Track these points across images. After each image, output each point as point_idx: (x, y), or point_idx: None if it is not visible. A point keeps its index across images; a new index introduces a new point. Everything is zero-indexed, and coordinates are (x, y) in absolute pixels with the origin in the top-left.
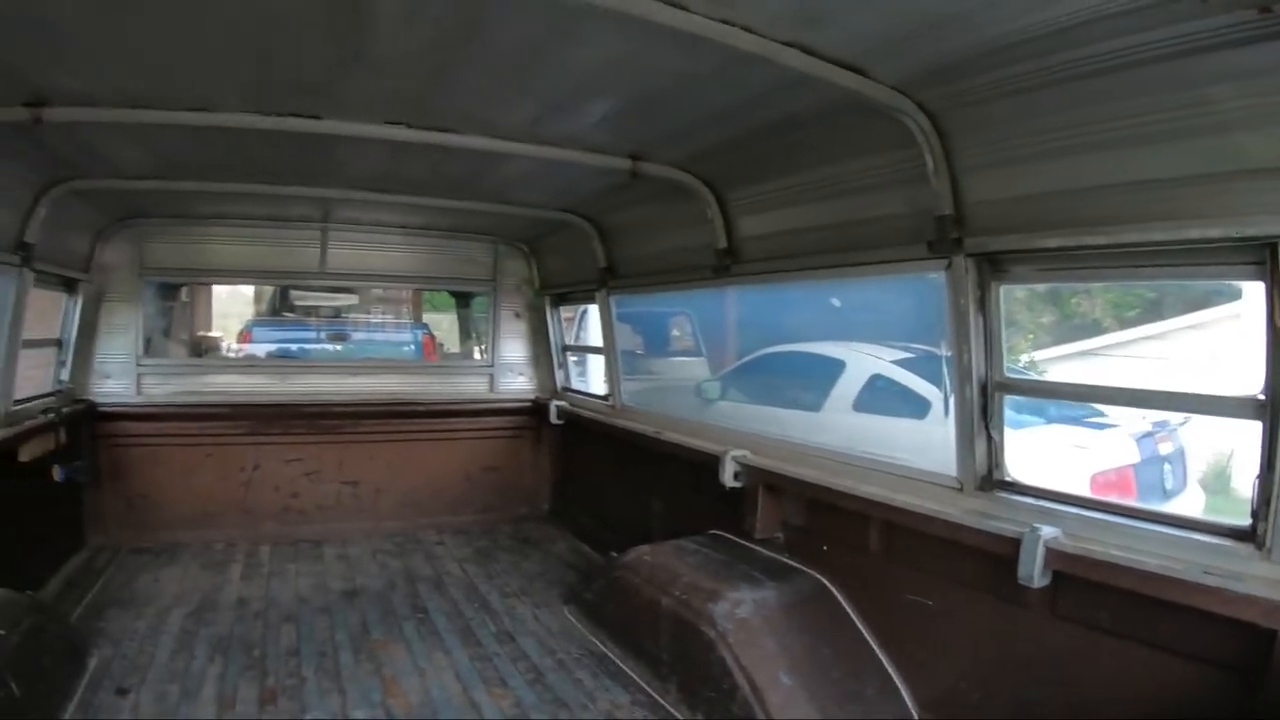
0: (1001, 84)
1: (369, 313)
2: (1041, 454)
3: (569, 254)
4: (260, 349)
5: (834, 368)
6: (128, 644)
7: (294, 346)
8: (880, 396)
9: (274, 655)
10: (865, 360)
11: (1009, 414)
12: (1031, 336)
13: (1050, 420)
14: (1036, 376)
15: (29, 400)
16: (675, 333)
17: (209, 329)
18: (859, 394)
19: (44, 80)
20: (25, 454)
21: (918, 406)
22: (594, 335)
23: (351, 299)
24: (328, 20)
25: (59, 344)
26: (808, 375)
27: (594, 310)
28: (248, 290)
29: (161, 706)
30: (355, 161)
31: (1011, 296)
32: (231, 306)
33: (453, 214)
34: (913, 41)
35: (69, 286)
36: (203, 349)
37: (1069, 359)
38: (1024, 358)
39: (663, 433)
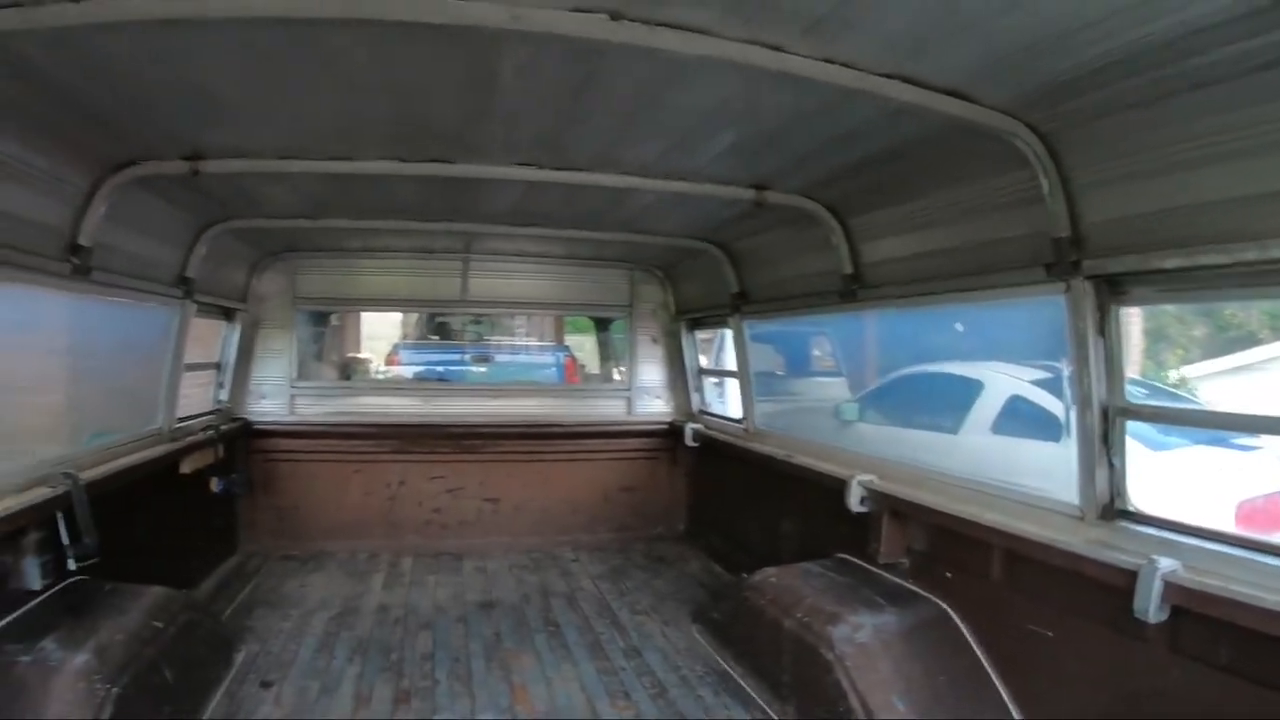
0: (1111, 101)
1: (513, 336)
2: (1184, 478)
3: (703, 279)
4: (407, 370)
5: (972, 389)
6: (273, 642)
7: (439, 368)
8: (1019, 419)
9: (410, 659)
10: (1004, 381)
11: (1152, 435)
12: (1181, 351)
13: (1196, 441)
14: (1169, 399)
15: (191, 418)
16: (816, 352)
17: (358, 351)
18: (997, 416)
19: (200, 138)
20: (186, 466)
21: (1056, 429)
22: (732, 358)
23: (494, 323)
24: (458, 80)
25: (218, 367)
26: (946, 397)
27: (730, 333)
28: (394, 315)
29: (301, 700)
30: (492, 199)
31: (1161, 309)
32: (379, 329)
33: (588, 243)
34: (1014, 65)
35: (228, 315)
36: (352, 371)
37: (1222, 375)
38: (1174, 374)
39: (794, 456)
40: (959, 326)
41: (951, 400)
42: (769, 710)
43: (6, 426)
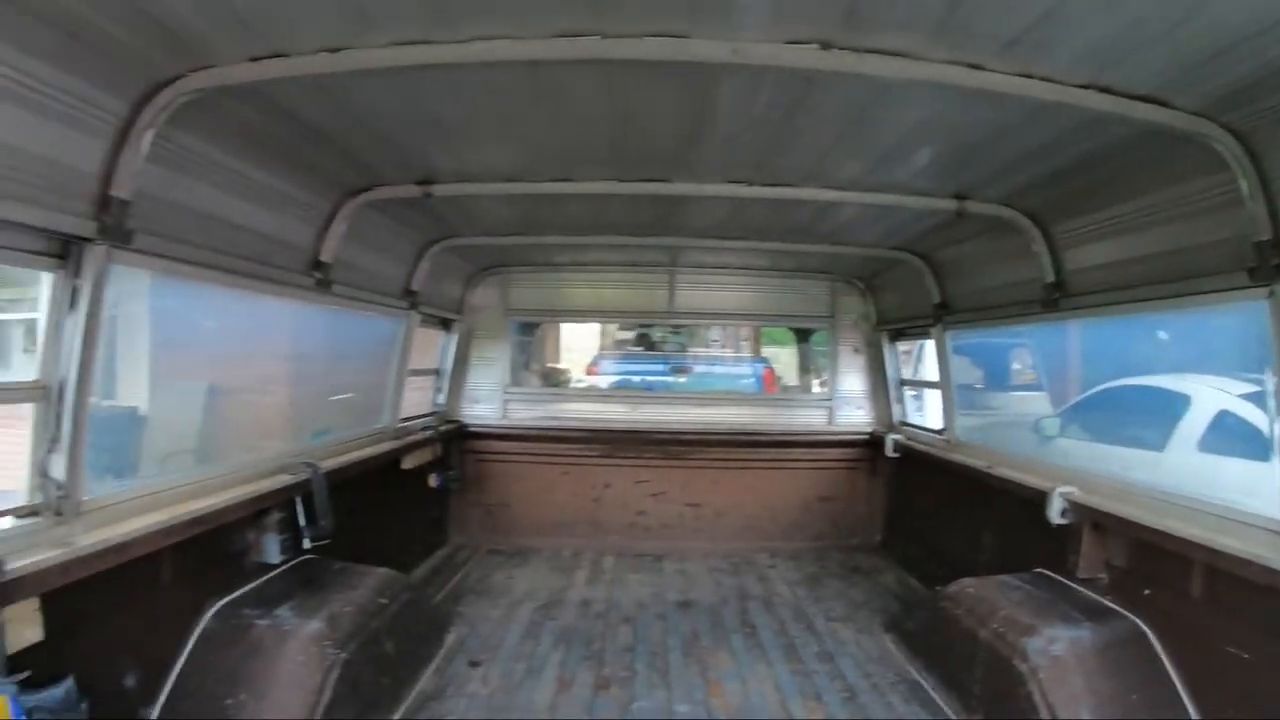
0: None
1: (709, 347)
2: None
3: (904, 290)
4: (608, 380)
5: (1178, 404)
6: (481, 626)
7: (636, 379)
8: (1228, 435)
9: (611, 650)
10: (1212, 395)
11: None
12: None
13: None
14: None
15: (412, 419)
16: (1016, 366)
17: (557, 362)
18: (1205, 432)
19: (432, 164)
20: (407, 463)
21: (1266, 446)
22: (931, 369)
23: (693, 334)
24: (677, 109)
25: (437, 373)
26: (1151, 412)
27: (930, 344)
28: (593, 326)
29: (507, 680)
30: (700, 214)
31: None
32: (576, 341)
33: (791, 255)
34: (1206, 69)
35: (445, 325)
36: (552, 380)
37: None
38: None
39: (994, 467)
40: (1162, 335)
41: (1156, 416)
42: None
43: (248, 422)
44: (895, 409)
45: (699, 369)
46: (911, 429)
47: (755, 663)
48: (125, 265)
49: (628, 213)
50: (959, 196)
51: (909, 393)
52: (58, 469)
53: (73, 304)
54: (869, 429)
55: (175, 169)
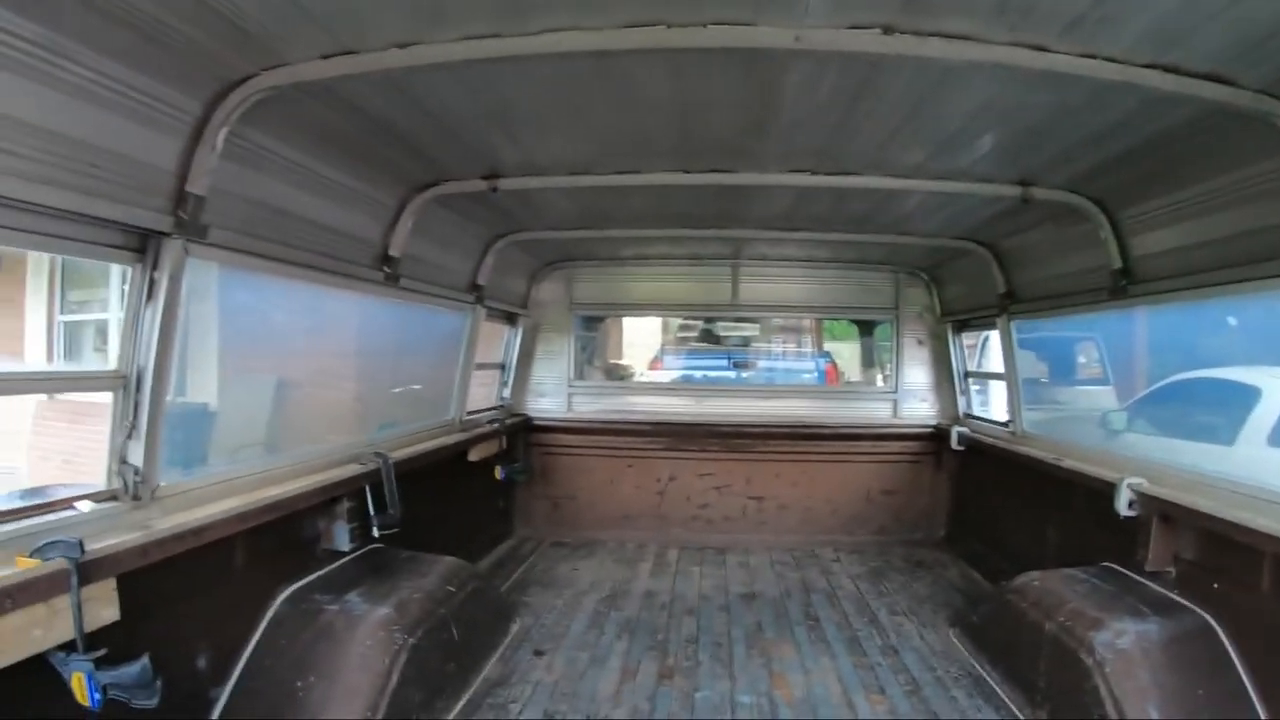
0: None
1: (770, 341)
2: None
3: (969, 280)
4: (671, 374)
5: (1248, 396)
6: (546, 616)
7: (698, 374)
8: None
9: (674, 640)
10: None
11: None
12: None
13: None
14: None
15: (478, 412)
16: (1081, 359)
17: (619, 357)
18: (1277, 425)
19: (498, 158)
20: (474, 455)
21: None
22: (995, 361)
23: (755, 328)
24: (742, 95)
25: (502, 367)
26: (1219, 405)
27: (994, 336)
28: (653, 321)
29: (571, 669)
30: (764, 205)
31: None
32: (637, 336)
33: (854, 246)
34: (1269, 45)
35: (510, 319)
36: (614, 375)
37: None
38: None
39: (1062, 460)
40: (1232, 320)
41: (1226, 409)
42: (1021, 714)
43: (315, 415)
44: (960, 401)
45: (761, 364)
46: (977, 421)
47: (819, 655)
48: (201, 259)
49: (691, 204)
50: (1023, 183)
51: (972, 386)
52: (135, 455)
53: (150, 296)
54: (934, 422)
55: (247, 165)
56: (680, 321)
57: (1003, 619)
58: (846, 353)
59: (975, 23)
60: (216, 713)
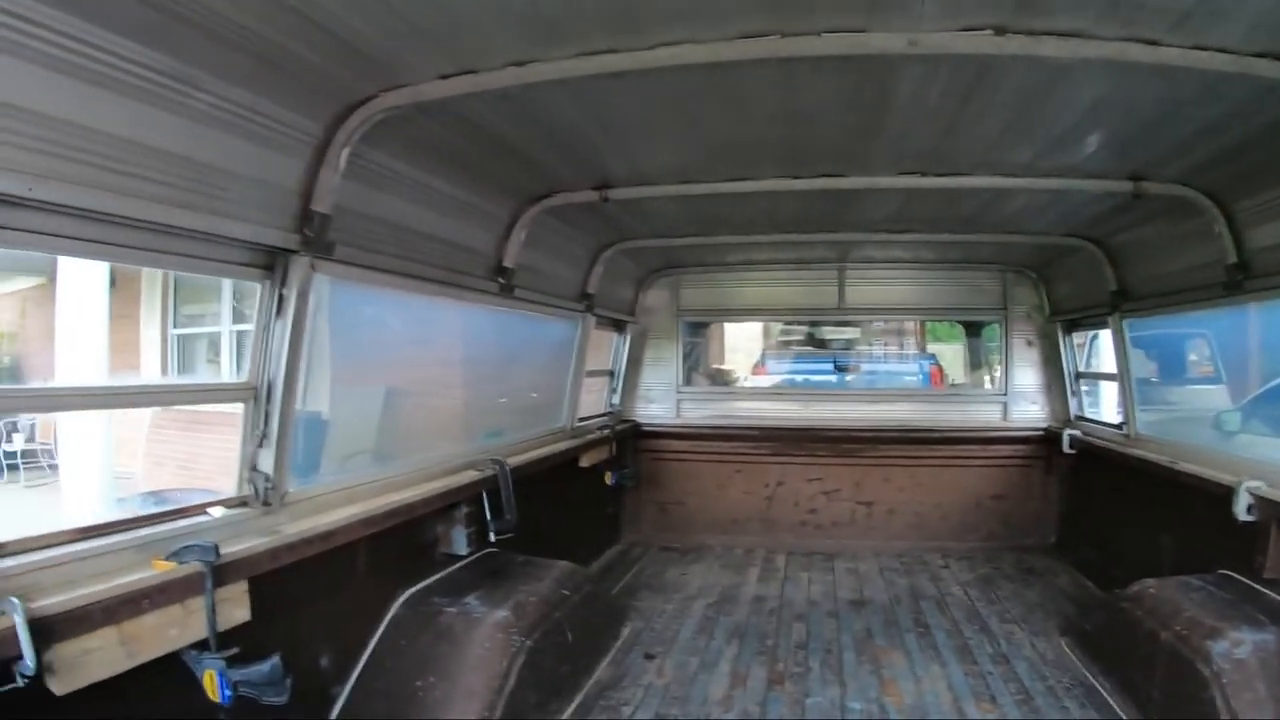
0: None
1: (871, 345)
2: None
3: (1078, 279)
4: (774, 379)
5: None
6: (656, 620)
7: (799, 378)
8: None
9: (784, 646)
10: None
11: None
12: None
13: None
14: None
15: (588, 419)
16: (1192, 357)
17: (721, 363)
18: None
19: (609, 168)
20: (585, 461)
21: None
22: (1104, 362)
23: (856, 331)
24: (853, 100)
25: (611, 374)
26: None
27: (1104, 335)
28: (753, 327)
29: (681, 673)
30: (871, 208)
31: None
32: (737, 342)
33: (961, 246)
34: None
35: (618, 327)
36: (718, 381)
37: None
38: None
39: (1177, 462)
40: None
41: None
42: None
43: (422, 424)
44: (1071, 403)
45: (865, 367)
46: (1088, 424)
47: (929, 663)
48: (327, 275)
49: (799, 209)
50: (1134, 178)
51: (1082, 387)
52: (265, 463)
53: (279, 311)
54: (1044, 424)
55: (367, 182)
56: (782, 326)
57: (1116, 628)
58: (950, 355)
59: (1087, 20)
60: (336, 710)
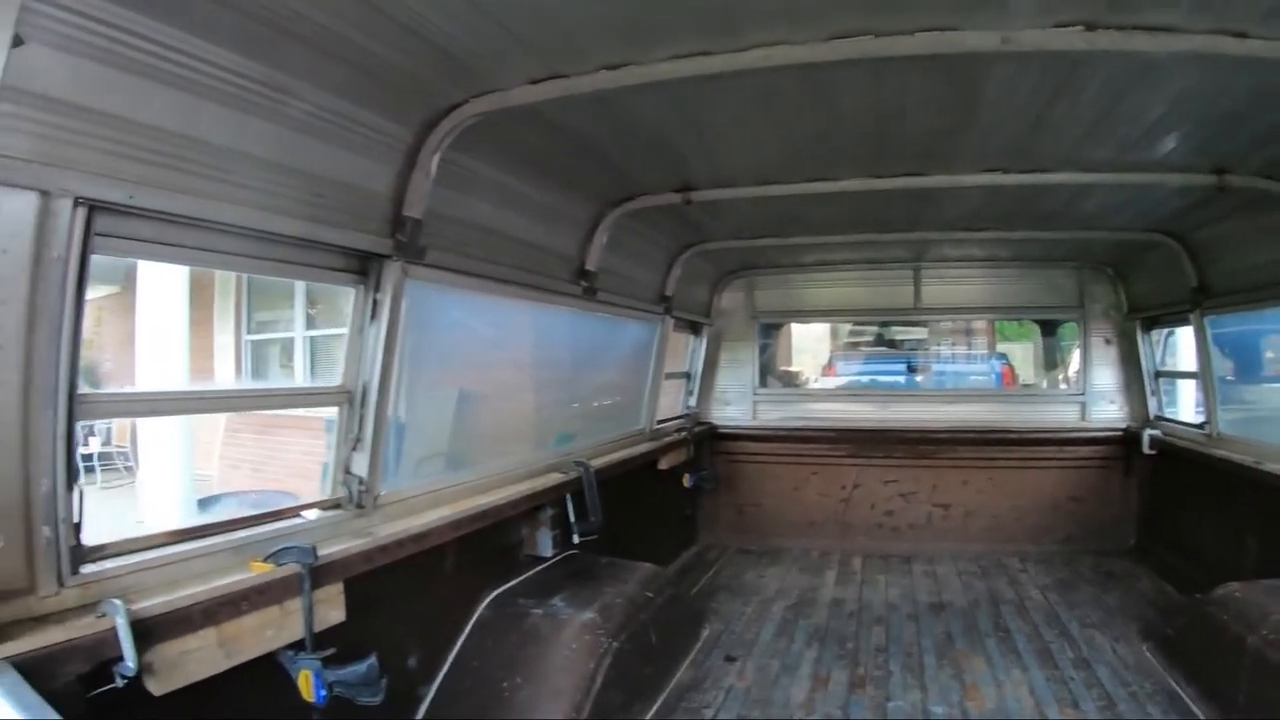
0: None
1: (940, 345)
2: None
3: (1157, 275)
4: (841, 380)
5: None
6: (735, 623)
7: (866, 379)
8: None
9: (864, 650)
10: None
11: None
12: None
13: None
14: None
15: (666, 421)
16: (1269, 354)
17: (789, 364)
18: None
19: (692, 170)
20: (664, 463)
21: None
22: (1179, 360)
23: (924, 331)
24: (940, 99)
25: (687, 376)
26: None
27: (1181, 333)
28: (819, 329)
29: (763, 676)
30: (951, 206)
31: None
32: (804, 343)
33: (1038, 244)
34: None
35: (694, 329)
36: (788, 382)
37: None
38: None
39: (1263, 463)
40: None
41: None
42: None
43: (494, 429)
44: (1151, 403)
45: (936, 367)
46: (1169, 424)
47: (1011, 667)
48: (418, 279)
49: (879, 209)
50: (1218, 171)
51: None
52: (359, 466)
53: (374, 315)
54: (1123, 425)
55: (456, 187)
56: (850, 327)
57: (1200, 633)
58: (1019, 354)
59: (1177, 14)
60: (423, 711)
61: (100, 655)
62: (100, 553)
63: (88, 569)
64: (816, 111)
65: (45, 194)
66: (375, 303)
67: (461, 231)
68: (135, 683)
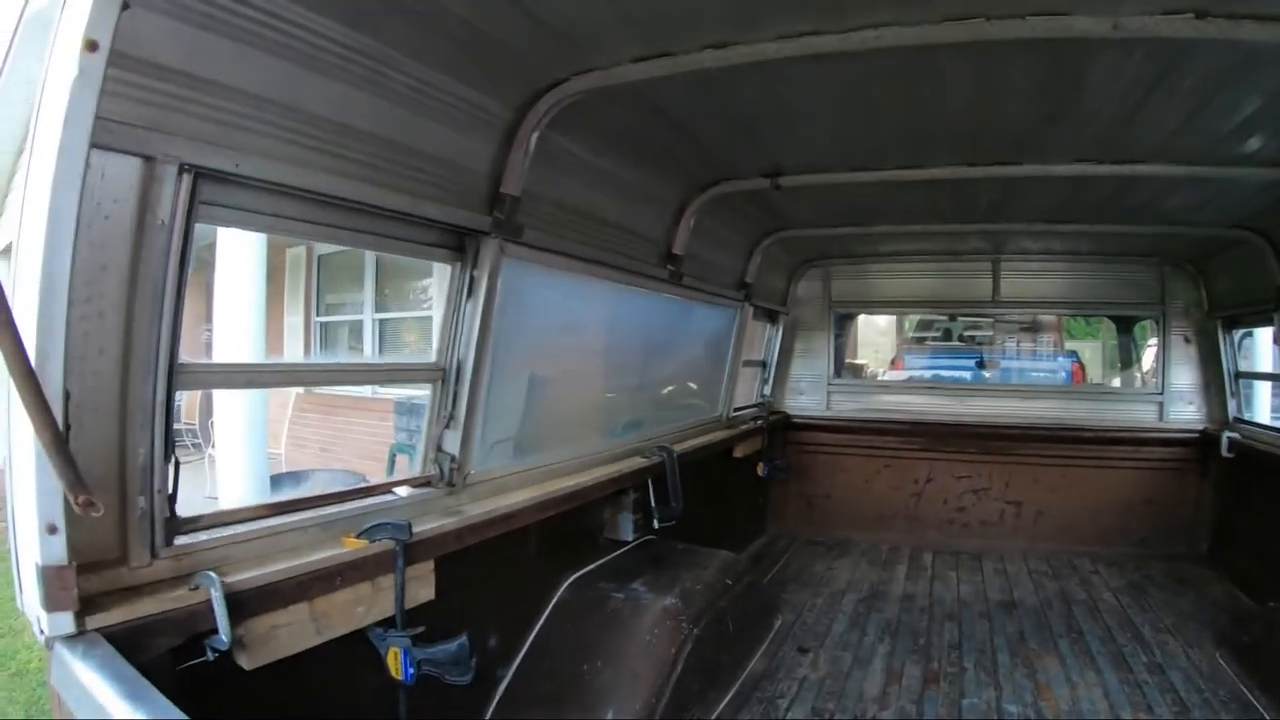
0: None
1: (1007, 341)
2: None
3: (1240, 273)
4: (909, 374)
5: None
6: (807, 614)
7: (931, 374)
8: None
9: (937, 645)
10: None
11: None
12: None
13: None
14: None
15: (741, 409)
16: None
17: (855, 357)
18: None
19: (781, 154)
20: (739, 451)
21: None
22: (1254, 362)
23: (991, 329)
24: (1042, 86)
25: (763, 365)
26: None
27: (1260, 335)
28: (884, 322)
29: (835, 668)
30: (1038, 197)
31: None
32: (868, 336)
33: (1119, 239)
34: None
35: (771, 318)
36: (856, 375)
37: None
38: None
39: None
40: None
41: None
42: None
43: (588, 411)
44: (1231, 404)
45: (1005, 364)
46: (1249, 426)
47: (1084, 669)
48: (515, 257)
49: (964, 198)
50: None
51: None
52: (451, 444)
53: (470, 293)
54: (1200, 426)
55: (550, 166)
56: (918, 320)
57: (1276, 642)
58: (1088, 352)
59: None
60: (501, 690)
61: (192, 628)
62: (194, 524)
63: (181, 540)
64: (913, 97)
65: (150, 159)
66: (472, 280)
67: (555, 211)
68: (226, 656)
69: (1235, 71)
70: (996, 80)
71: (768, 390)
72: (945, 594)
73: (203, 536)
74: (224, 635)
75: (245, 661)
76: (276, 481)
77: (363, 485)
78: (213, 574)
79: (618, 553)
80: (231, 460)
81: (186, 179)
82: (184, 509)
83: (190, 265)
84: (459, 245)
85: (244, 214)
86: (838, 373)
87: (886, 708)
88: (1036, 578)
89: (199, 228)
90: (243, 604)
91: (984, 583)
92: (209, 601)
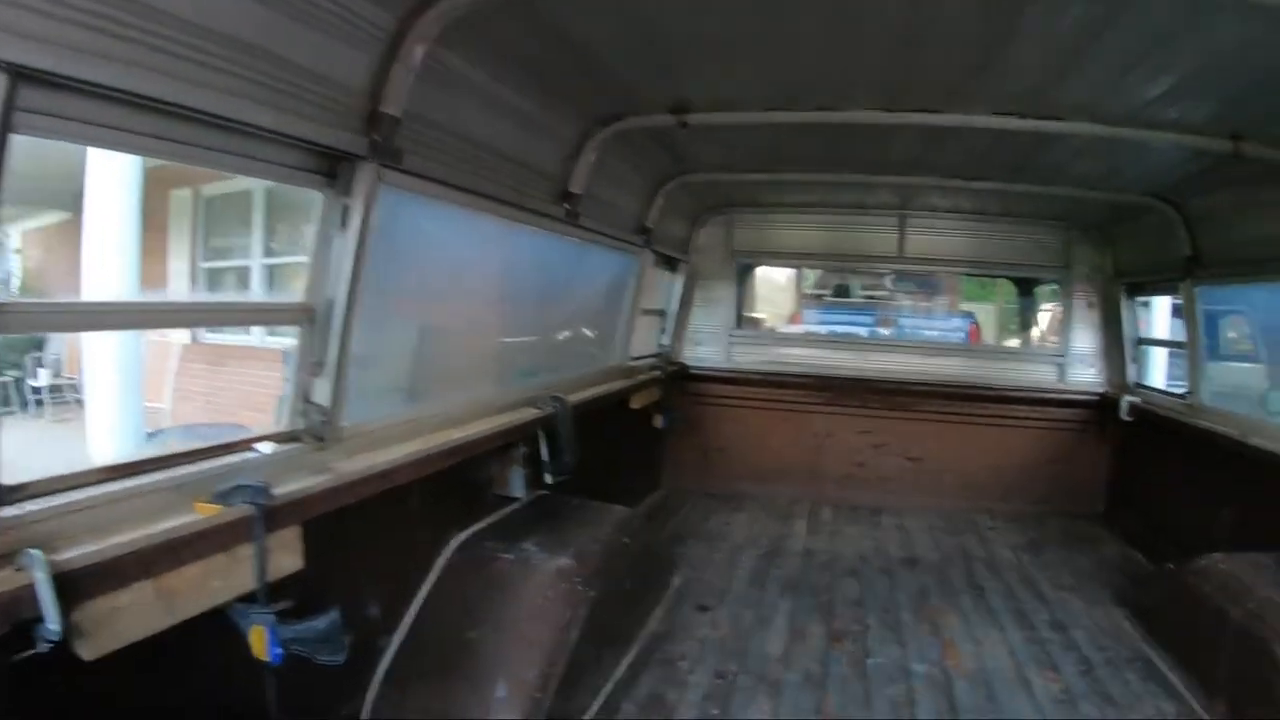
0: None
1: (904, 300)
2: None
3: (1147, 241)
4: (806, 329)
5: None
6: (706, 571)
7: (842, 328)
8: None
9: (840, 602)
10: None
11: None
12: None
13: None
14: None
15: (638, 359)
16: (1231, 334)
17: (752, 311)
18: None
19: (689, 89)
20: (635, 402)
21: None
22: (1155, 328)
23: (888, 288)
24: (977, 30)
25: (662, 314)
26: None
27: (1156, 303)
28: (780, 278)
29: (737, 626)
30: (953, 150)
31: None
32: (766, 292)
33: (1030, 199)
34: None
35: (671, 265)
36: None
37: None
38: None
39: (1248, 436)
40: None
41: None
42: (1195, 704)
43: (452, 361)
44: (1130, 369)
45: (904, 321)
46: (1148, 391)
47: (987, 626)
48: (394, 185)
49: (878, 147)
50: (1235, 136)
51: None
52: (320, 394)
53: (343, 223)
54: (1100, 389)
55: (436, 87)
56: (814, 278)
57: (1180, 602)
58: (982, 314)
59: None
60: (385, 662)
61: (17, 615)
62: (20, 493)
63: (4, 512)
64: (837, 30)
65: None
66: (345, 209)
67: (441, 138)
68: (63, 646)
69: (1175, 30)
70: (926, 20)
71: (666, 340)
72: (845, 550)
73: (30, 507)
74: (52, 622)
75: (85, 650)
76: (154, 439)
77: (221, 443)
78: (35, 552)
79: (508, 510)
80: (101, 416)
81: (3, 79)
82: (44, 471)
83: (3, 185)
84: (331, 170)
85: (77, 125)
86: (739, 324)
87: (790, 667)
88: (936, 534)
89: (58, 167)
90: (75, 585)
91: (883, 539)
92: (33, 585)
